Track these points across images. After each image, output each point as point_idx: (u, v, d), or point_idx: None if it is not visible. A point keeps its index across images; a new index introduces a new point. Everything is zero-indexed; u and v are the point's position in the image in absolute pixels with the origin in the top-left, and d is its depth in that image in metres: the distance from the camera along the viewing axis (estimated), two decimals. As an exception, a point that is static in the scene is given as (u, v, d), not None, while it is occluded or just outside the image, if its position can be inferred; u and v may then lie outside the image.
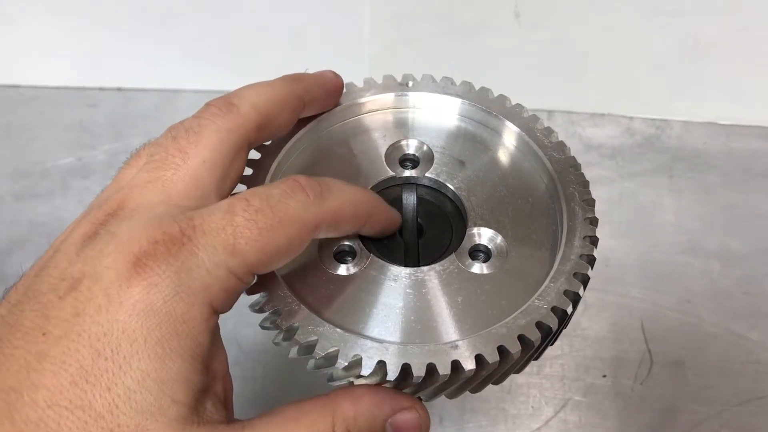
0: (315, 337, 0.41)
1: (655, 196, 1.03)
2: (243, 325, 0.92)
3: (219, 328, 0.43)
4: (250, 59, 1.08)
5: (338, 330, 0.41)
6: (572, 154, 0.49)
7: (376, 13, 0.97)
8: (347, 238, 0.47)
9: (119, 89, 1.13)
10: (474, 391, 0.44)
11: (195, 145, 0.42)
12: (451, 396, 0.44)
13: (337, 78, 0.51)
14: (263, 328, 0.44)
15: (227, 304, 0.41)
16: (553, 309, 0.42)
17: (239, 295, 0.42)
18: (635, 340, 0.92)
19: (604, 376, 0.89)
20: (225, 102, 0.44)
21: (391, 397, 0.43)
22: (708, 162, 1.07)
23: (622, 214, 1.02)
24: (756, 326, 0.93)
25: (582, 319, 0.93)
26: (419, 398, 0.45)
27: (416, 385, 0.41)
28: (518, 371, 0.45)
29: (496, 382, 0.44)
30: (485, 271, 0.46)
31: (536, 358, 0.46)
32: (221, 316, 0.92)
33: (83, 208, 1.02)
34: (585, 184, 0.48)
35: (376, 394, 0.42)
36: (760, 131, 1.10)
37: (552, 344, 0.46)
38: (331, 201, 0.42)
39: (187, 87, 1.11)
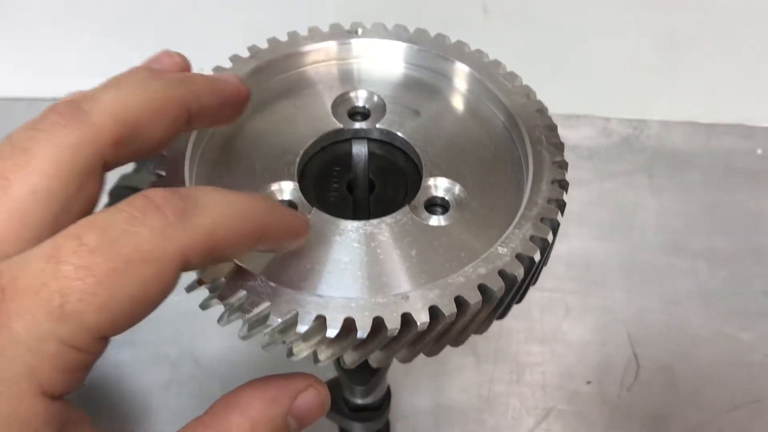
0: (243, 292, 0.35)
1: (636, 197, 0.99)
2: (201, 338, 0.86)
3: (71, 410, 0.31)
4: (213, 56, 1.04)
5: (271, 284, 0.36)
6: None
7: (339, 15, 0.94)
8: (286, 189, 0.41)
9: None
10: (430, 352, 0.38)
11: (22, 168, 0.30)
12: (403, 359, 0.38)
13: (241, 85, 0.39)
14: (188, 290, 0.38)
15: (72, 383, 0.30)
16: (518, 256, 0.37)
17: (89, 368, 0.31)
18: (620, 345, 0.86)
19: (589, 382, 0.83)
20: (72, 107, 0.31)
21: (283, 386, 0.35)
22: (689, 161, 1.03)
23: (601, 215, 0.97)
24: (747, 327, 0.87)
25: (563, 324, 0.87)
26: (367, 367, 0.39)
27: (362, 344, 0.36)
28: (479, 330, 0.39)
29: (455, 343, 0.39)
30: (443, 223, 0.41)
31: (500, 317, 0.40)
32: (175, 328, 0.84)
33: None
34: (552, 127, 0.43)
35: (266, 391, 0.35)
36: (741, 130, 1.06)
37: (519, 301, 0.41)
38: (201, 219, 0.30)
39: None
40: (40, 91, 1.07)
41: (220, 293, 0.35)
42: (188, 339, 0.86)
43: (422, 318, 0.35)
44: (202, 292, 0.38)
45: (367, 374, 0.54)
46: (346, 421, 0.66)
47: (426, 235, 0.40)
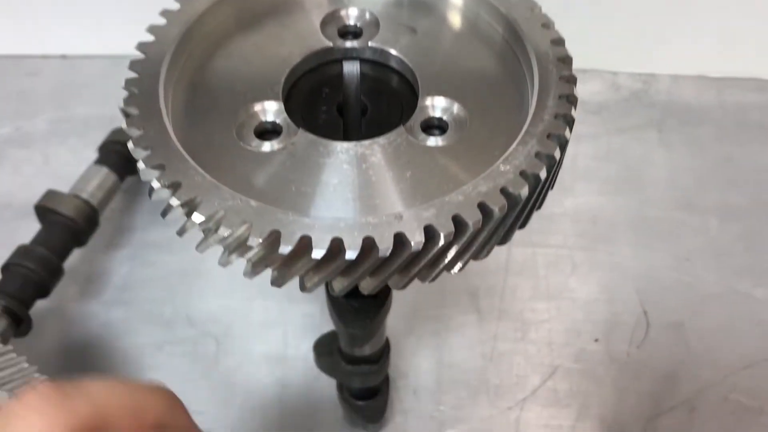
0: (222, 212, 0.32)
1: (645, 152, 0.95)
2: (194, 297, 0.83)
3: None
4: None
5: (252, 203, 0.33)
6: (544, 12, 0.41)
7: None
8: (270, 110, 0.38)
9: (63, 56, 1.05)
10: (425, 277, 0.35)
11: None
12: (396, 284, 0.35)
13: None
14: (163, 215, 0.35)
15: None
16: (522, 173, 0.34)
17: None
18: (629, 302, 0.83)
19: (597, 340, 0.80)
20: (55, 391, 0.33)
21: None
22: (700, 116, 0.99)
23: (610, 170, 0.94)
24: (760, 283, 0.84)
25: (570, 281, 0.84)
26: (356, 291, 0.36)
27: (351, 267, 0.33)
28: (479, 255, 0.36)
29: (452, 266, 0.36)
30: (440, 144, 0.37)
31: (503, 242, 0.37)
32: (168, 287, 0.81)
33: (20, 177, 0.95)
34: (560, 41, 0.40)
35: None
36: (754, 83, 1.02)
37: (523, 225, 0.38)
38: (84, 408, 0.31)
39: (135, 53, 1.03)
40: (27, 49, 1.04)
41: (193, 211, 0.32)
42: (182, 298, 0.83)
43: (417, 238, 0.32)
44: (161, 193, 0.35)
45: (363, 317, 0.52)
46: (342, 375, 0.64)
47: (422, 157, 0.37)
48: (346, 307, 0.53)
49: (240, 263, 0.35)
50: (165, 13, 0.41)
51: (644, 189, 0.92)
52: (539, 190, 0.36)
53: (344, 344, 0.60)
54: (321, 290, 0.52)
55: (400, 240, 0.32)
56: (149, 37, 0.39)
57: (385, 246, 0.31)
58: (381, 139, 0.37)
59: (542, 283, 0.84)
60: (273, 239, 0.32)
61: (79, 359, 0.79)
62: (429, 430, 0.75)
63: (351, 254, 0.31)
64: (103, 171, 0.84)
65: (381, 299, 0.53)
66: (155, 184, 0.34)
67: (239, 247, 0.33)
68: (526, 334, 0.81)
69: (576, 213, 0.89)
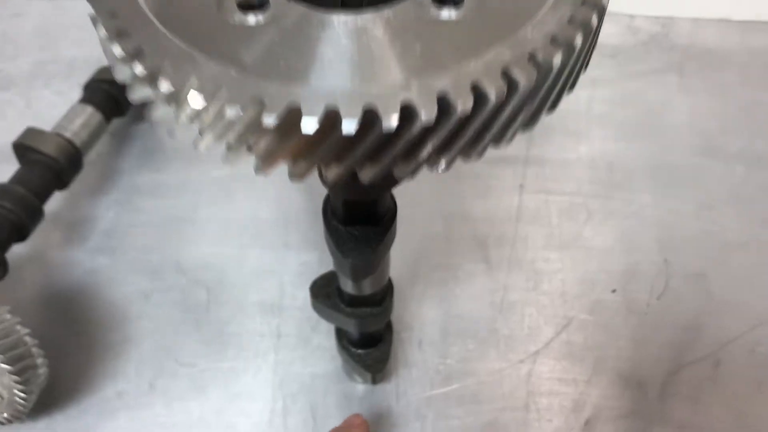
0: (194, 79, 0.27)
1: (664, 97, 0.90)
2: (185, 244, 0.78)
3: None
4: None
5: (232, 71, 0.27)
6: None
7: None
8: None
9: (49, -3, 1.00)
10: (434, 162, 0.30)
11: None
12: (401, 170, 0.30)
13: None
14: (127, 93, 0.29)
15: None
16: (554, 40, 0.28)
17: None
18: (648, 251, 0.78)
19: (614, 291, 0.75)
20: None
21: None
22: (723, 60, 0.93)
23: (627, 115, 0.88)
24: (788, 232, 0.79)
25: (585, 229, 0.79)
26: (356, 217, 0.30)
27: (347, 147, 0.27)
28: (499, 138, 0.31)
29: (471, 150, 0.30)
30: (455, 17, 0.32)
31: (527, 126, 0.31)
32: (157, 233, 0.75)
33: (2, 121, 0.89)
34: None
35: None
36: (780, 27, 0.96)
37: (552, 107, 0.32)
38: None
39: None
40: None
41: (158, 79, 0.27)
42: (172, 245, 0.78)
43: (428, 110, 0.26)
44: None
45: (364, 245, 0.46)
46: (341, 319, 0.58)
47: (434, 30, 0.31)
48: (346, 236, 0.47)
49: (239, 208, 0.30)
50: None
51: (664, 135, 0.86)
52: (572, 64, 0.30)
53: (343, 282, 0.55)
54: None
55: (407, 112, 0.26)
56: None
57: (390, 118, 0.26)
58: (386, 11, 0.31)
59: (555, 232, 0.79)
60: (254, 109, 0.26)
61: (61, 309, 0.74)
62: (434, 384, 0.70)
63: (349, 127, 0.26)
64: (88, 110, 0.78)
65: (384, 227, 0.47)
66: (117, 51, 0.28)
67: (215, 122, 0.27)
68: (538, 285, 0.76)
69: (591, 159, 0.84)
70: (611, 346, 0.72)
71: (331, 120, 0.26)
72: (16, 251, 0.71)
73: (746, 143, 0.85)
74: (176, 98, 0.27)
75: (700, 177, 0.83)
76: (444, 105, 0.27)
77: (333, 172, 0.28)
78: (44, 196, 0.72)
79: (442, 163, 0.29)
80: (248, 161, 0.29)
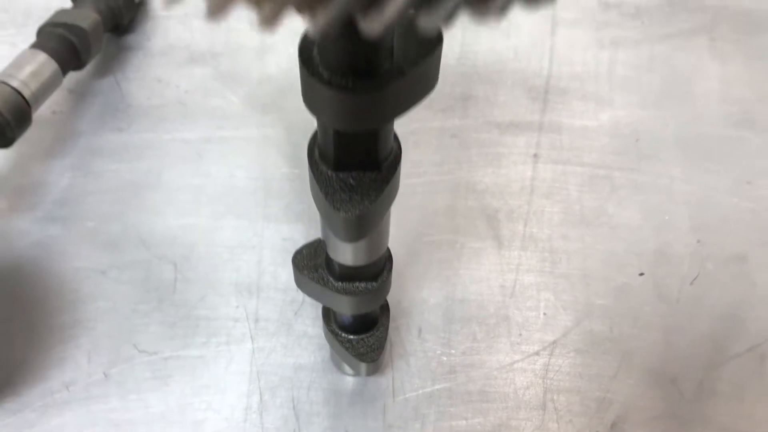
0: None
1: (695, 61, 0.80)
2: (150, 214, 0.68)
3: None
4: None
5: None
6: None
7: None
8: None
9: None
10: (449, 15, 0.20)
11: None
12: (428, 15, 0.20)
13: None
14: None
15: None
16: None
17: None
18: (680, 231, 0.68)
19: (642, 274, 0.66)
20: None
21: None
22: (759, 23, 0.84)
23: (653, 81, 0.78)
24: (837, 212, 0.70)
25: (608, 204, 0.69)
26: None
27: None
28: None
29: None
30: None
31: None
32: (116, 201, 0.65)
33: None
34: None
35: None
36: (820, -11, 0.87)
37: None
38: None
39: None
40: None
41: None
42: (134, 215, 0.68)
43: None
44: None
45: (360, 197, 0.36)
46: (330, 296, 0.48)
47: None
48: (338, 185, 0.37)
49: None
50: None
51: (694, 103, 0.77)
52: None
53: (333, 249, 0.45)
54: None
55: None
56: None
57: None
58: None
59: (575, 207, 0.69)
60: None
61: (6, 285, 0.63)
62: (436, 378, 0.60)
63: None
64: (41, 57, 0.67)
65: (385, 173, 0.37)
66: None
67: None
68: (555, 266, 0.66)
69: (615, 128, 0.74)
70: (640, 337, 0.62)
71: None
72: (-50, 217, 0.61)
73: (787, 113, 0.76)
74: None
75: (737, 149, 0.73)
76: None
77: (320, 19, 0.18)
78: (-17, 152, 0.61)
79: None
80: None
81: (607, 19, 0.83)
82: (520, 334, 0.62)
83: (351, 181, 0.37)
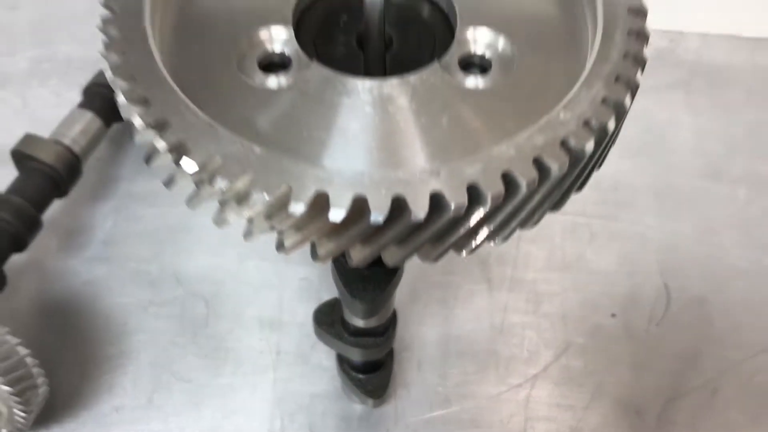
0: (218, 159, 0.26)
1: (670, 115, 0.89)
2: (183, 255, 0.77)
3: None
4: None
5: (256, 149, 0.26)
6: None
7: None
8: (277, 37, 0.32)
9: (46, -10, 0.97)
10: (462, 247, 0.29)
11: None
12: (427, 255, 0.29)
13: None
14: (147, 161, 0.28)
15: None
16: (587, 124, 0.28)
17: None
18: (650, 275, 0.78)
19: (614, 315, 0.75)
20: None
21: None
22: (730, 78, 0.93)
23: (632, 133, 0.86)
24: (790, 259, 0.79)
25: (587, 251, 0.79)
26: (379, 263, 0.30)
27: (374, 234, 0.26)
28: (526, 223, 0.30)
29: (497, 234, 0.30)
30: (482, 86, 0.31)
31: (556, 207, 0.31)
32: (155, 244, 0.74)
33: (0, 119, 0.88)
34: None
35: None
36: (789, 45, 0.96)
37: (581, 188, 0.31)
38: None
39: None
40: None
41: (183, 157, 0.26)
42: (170, 255, 0.77)
43: (458, 199, 0.25)
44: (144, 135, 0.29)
45: (372, 287, 0.46)
46: (344, 347, 0.58)
47: (461, 101, 0.30)
48: (355, 275, 0.47)
49: (239, 222, 0.29)
50: None
51: (668, 155, 0.86)
52: (605, 145, 0.29)
53: (348, 315, 0.54)
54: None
55: (437, 201, 0.26)
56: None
57: (419, 208, 0.25)
58: (411, 77, 0.31)
59: (558, 253, 0.78)
60: (281, 195, 0.25)
61: (57, 320, 0.73)
62: (433, 406, 0.70)
63: (377, 217, 0.25)
64: (88, 116, 0.77)
65: (393, 269, 0.47)
66: (138, 122, 0.27)
67: (238, 203, 0.27)
68: (538, 307, 0.75)
69: (595, 178, 0.83)
70: (610, 371, 0.72)
71: (359, 209, 0.25)
72: (13, 259, 0.70)
73: (750, 166, 0.85)
74: (199, 177, 0.27)
75: (704, 200, 0.82)
76: (474, 193, 0.26)
77: (358, 255, 0.28)
78: (43, 205, 0.71)
79: (470, 246, 0.28)
80: (271, 237, 0.28)
81: (593, 74, 0.91)
82: (507, 368, 0.72)
83: (366, 272, 0.47)
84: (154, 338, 0.72)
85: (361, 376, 0.64)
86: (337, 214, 0.25)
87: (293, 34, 0.32)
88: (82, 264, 0.76)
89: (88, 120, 0.77)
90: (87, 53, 0.89)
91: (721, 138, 0.87)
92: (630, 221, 0.80)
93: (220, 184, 0.26)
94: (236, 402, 0.70)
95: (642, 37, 0.31)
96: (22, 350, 0.59)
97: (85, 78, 0.84)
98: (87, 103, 0.78)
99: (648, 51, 0.94)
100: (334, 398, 0.70)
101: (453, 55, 0.32)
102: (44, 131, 0.76)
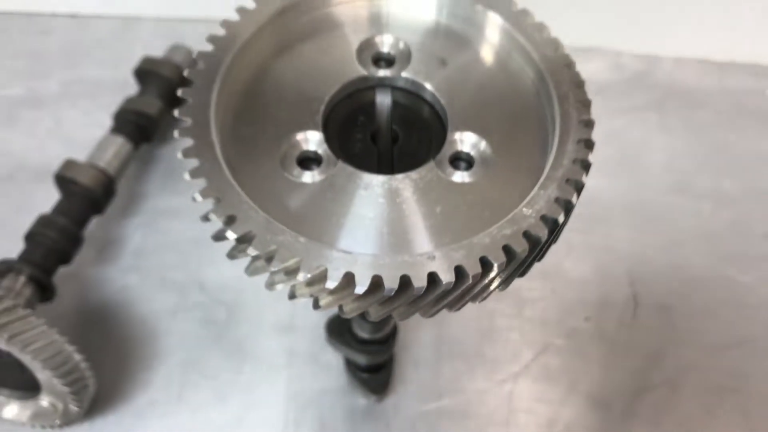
0: (274, 247, 0.35)
1: (644, 134, 0.98)
2: (206, 264, 0.87)
3: None
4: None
5: (301, 239, 0.36)
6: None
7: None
8: (312, 139, 0.41)
9: (73, 15, 1.05)
10: (452, 307, 0.39)
11: None
12: (426, 313, 0.39)
13: None
14: (216, 239, 0.38)
15: None
16: (543, 218, 0.37)
17: None
18: (621, 283, 0.87)
19: (587, 319, 0.85)
20: None
21: None
22: (700, 100, 1.02)
23: (609, 152, 0.97)
24: (747, 269, 0.89)
25: (565, 261, 0.88)
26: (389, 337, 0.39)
27: (388, 300, 0.36)
28: (502, 287, 0.40)
29: (477, 298, 0.39)
30: (467, 180, 0.40)
31: (522, 274, 0.41)
32: (181, 254, 0.84)
33: (33, 140, 0.96)
34: (580, 84, 0.42)
35: None
36: (754, 69, 1.05)
37: (540, 258, 0.41)
38: None
39: (148, 14, 1.03)
40: (38, 6, 1.04)
41: (250, 246, 0.35)
42: (194, 265, 0.86)
43: (448, 277, 0.35)
44: (214, 223, 0.38)
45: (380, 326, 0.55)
46: (351, 353, 0.68)
47: (451, 192, 0.40)
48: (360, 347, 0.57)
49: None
50: (214, 39, 0.42)
51: (642, 173, 0.95)
52: (557, 231, 0.39)
53: (356, 329, 0.64)
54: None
55: (432, 279, 0.35)
56: (198, 65, 0.41)
57: (419, 284, 0.35)
58: (413, 174, 0.40)
59: (539, 264, 0.88)
60: (319, 274, 0.35)
61: (97, 323, 0.83)
62: (427, 400, 0.80)
63: (389, 290, 0.35)
64: (119, 140, 0.86)
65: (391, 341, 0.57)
66: (212, 216, 0.37)
67: (287, 276, 0.36)
68: (521, 312, 0.85)
69: (575, 194, 0.93)
70: (583, 370, 0.82)
71: (377, 284, 0.35)
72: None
73: (714, 182, 0.94)
74: (259, 259, 0.36)
75: (671, 214, 0.92)
76: (460, 272, 0.35)
77: (375, 313, 0.37)
78: (83, 223, 0.80)
79: (457, 306, 0.38)
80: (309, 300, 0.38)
81: (575, 96, 1.00)
82: (493, 367, 0.82)
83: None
84: (182, 340, 0.82)
85: (365, 375, 0.74)
86: (360, 288, 0.35)
87: (323, 137, 0.41)
88: (116, 273, 0.86)
89: (120, 144, 0.86)
90: (113, 76, 0.98)
91: (690, 156, 0.97)
92: (603, 234, 0.90)
93: (275, 265, 0.35)
94: (255, 396, 0.79)
95: (589, 145, 0.40)
96: (69, 347, 0.68)
97: (111, 98, 0.93)
98: (118, 128, 0.87)
99: (626, 74, 1.03)
100: (341, 393, 0.80)
101: (445, 154, 0.41)
102: (77, 149, 0.85)
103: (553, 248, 0.88)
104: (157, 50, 0.98)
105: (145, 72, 0.92)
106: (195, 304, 0.84)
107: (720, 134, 0.99)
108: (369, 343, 0.67)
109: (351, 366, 0.75)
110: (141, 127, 0.88)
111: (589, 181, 0.92)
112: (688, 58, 1.05)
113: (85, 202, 0.80)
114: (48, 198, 0.82)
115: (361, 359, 0.69)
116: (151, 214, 0.90)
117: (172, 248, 0.87)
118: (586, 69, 1.05)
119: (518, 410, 0.80)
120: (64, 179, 0.80)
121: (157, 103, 0.89)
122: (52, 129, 0.96)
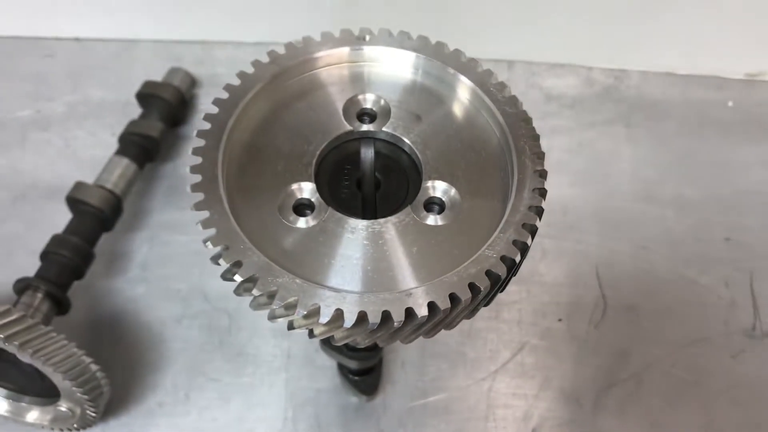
0: (275, 288, 0.42)
1: (613, 146, 1.06)
2: (209, 275, 0.93)
3: None
4: (208, 8, 1.06)
5: (297, 280, 0.43)
6: (526, 108, 0.50)
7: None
8: (306, 189, 0.48)
9: (77, 39, 1.11)
10: (427, 335, 0.46)
11: None
12: (405, 340, 0.46)
13: None
14: (225, 279, 0.45)
15: None
16: (503, 258, 0.44)
17: None
18: (591, 286, 0.95)
19: (560, 320, 0.93)
20: None
21: None
22: (665, 111, 1.09)
23: (580, 163, 1.04)
24: (705, 271, 0.96)
25: (540, 266, 0.96)
26: (375, 344, 0.47)
27: (372, 331, 0.43)
28: (469, 316, 0.47)
29: (449, 327, 0.46)
30: (439, 223, 0.47)
31: (486, 304, 0.48)
32: (184, 265, 0.90)
33: (43, 159, 1.03)
34: (536, 137, 0.49)
35: None
36: (715, 81, 1.12)
37: (502, 290, 0.48)
38: None
39: (146, 36, 1.09)
40: (42, 31, 1.10)
41: (254, 287, 0.42)
42: (197, 276, 0.93)
43: (422, 312, 0.42)
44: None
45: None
46: (343, 359, 0.75)
47: (425, 234, 0.47)
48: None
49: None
50: (217, 101, 0.49)
51: (610, 181, 1.03)
52: (515, 269, 0.46)
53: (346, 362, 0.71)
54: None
55: (409, 313, 0.42)
56: (204, 124, 0.48)
57: (398, 318, 0.42)
58: (393, 218, 0.47)
59: (516, 268, 0.95)
60: (313, 310, 0.42)
61: (108, 331, 0.89)
62: (414, 397, 0.87)
63: (372, 324, 0.42)
64: (124, 162, 0.92)
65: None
66: (222, 262, 0.44)
67: (286, 311, 0.43)
68: (499, 314, 0.93)
69: (548, 204, 0.99)
70: (556, 368, 0.90)
71: (362, 319, 0.42)
72: (70, 285, 0.86)
73: (678, 190, 1.02)
74: (262, 296, 0.43)
75: (638, 220, 1.00)
76: (432, 307, 0.43)
77: (361, 341, 0.44)
78: (94, 241, 0.87)
79: (432, 334, 0.45)
80: (304, 331, 0.45)
81: (549, 110, 1.08)
82: (473, 366, 0.90)
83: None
84: (187, 346, 0.89)
85: (356, 378, 0.81)
86: (348, 323, 0.42)
87: (316, 188, 0.48)
88: (124, 284, 0.92)
89: (125, 165, 0.92)
90: (117, 98, 1.04)
91: (655, 165, 1.04)
92: (575, 240, 0.98)
93: (276, 303, 0.43)
94: (256, 397, 0.87)
95: (542, 193, 0.47)
96: (87, 359, 0.75)
97: (115, 118, 1.00)
98: (123, 150, 0.93)
99: (597, 89, 1.10)
100: (335, 393, 0.87)
101: (420, 199, 0.48)
102: (84, 168, 0.92)
103: (529, 253, 0.96)
104: (156, 70, 1.04)
105: (147, 95, 0.99)
106: (199, 311, 0.91)
107: (683, 144, 1.06)
108: (359, 350, 0.74)
109: (343, 369, 0.82)
110: (145, 148, 0.94)
111: (562, 190, 1.00)
112: (654, 72, 1.12)
113: (95, 221, 0.87)
114: (59, 214, 0.89)
115: (352, 364, 0.77)
116: (156, 228, 0.97)
117: (175, 260, 0.94)
118: (560, 84, 1.13)
119: (497, 405, 0.87)
120: (75, 200, 0.87)
121: (159, 125, 0.96)
122: (61, 149, 1.02)
